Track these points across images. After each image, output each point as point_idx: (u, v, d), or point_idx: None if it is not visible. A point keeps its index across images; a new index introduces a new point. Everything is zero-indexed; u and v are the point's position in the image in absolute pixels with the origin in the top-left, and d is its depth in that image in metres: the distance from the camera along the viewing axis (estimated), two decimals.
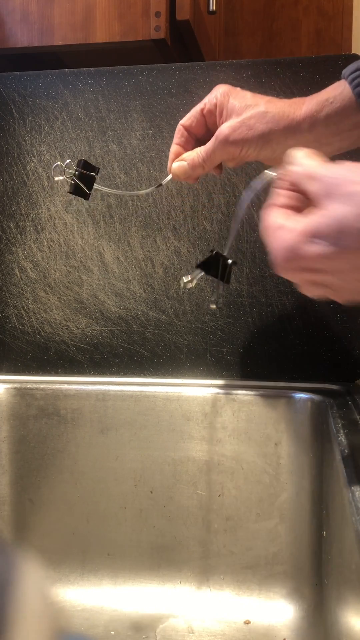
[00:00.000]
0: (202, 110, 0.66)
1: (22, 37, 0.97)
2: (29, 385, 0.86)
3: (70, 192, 0.67)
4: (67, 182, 0.67)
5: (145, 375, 0.88)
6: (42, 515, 0.85)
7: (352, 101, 0.60)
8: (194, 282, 0.61)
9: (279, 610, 0.78)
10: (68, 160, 0.67)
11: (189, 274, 0.63)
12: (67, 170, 0.66)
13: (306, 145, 0.60)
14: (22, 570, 0.36)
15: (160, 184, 0.67)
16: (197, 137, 0.68)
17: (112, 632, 0.76)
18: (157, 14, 0.92)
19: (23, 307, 0.91)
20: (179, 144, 0.67)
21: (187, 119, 0.67)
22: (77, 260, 0.89)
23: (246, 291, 0.86)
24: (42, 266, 0.90)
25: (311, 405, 0.79)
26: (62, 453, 0.84)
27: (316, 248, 0.42)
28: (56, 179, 0.67)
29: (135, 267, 0.88)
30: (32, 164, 0.90)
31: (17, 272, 0.91)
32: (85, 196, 0.67)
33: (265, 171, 0.57)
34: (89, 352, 0.89)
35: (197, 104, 0.87)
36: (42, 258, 0.90)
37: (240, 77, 0.86)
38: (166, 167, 0.87)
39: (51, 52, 1.00)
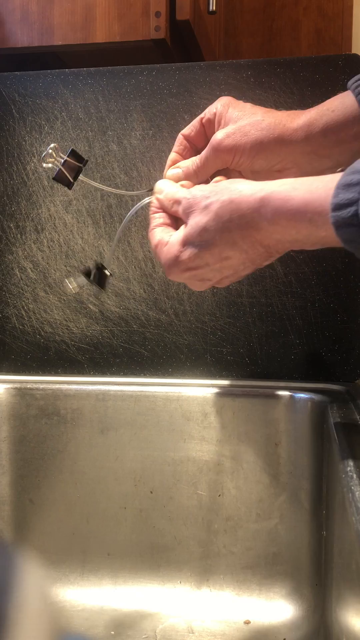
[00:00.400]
0: (201, 119, 0.65)
1: (22, 37, 0.97)
2: (29, 385, 0.86)
3: (54, 179, 0.67)
4: (54, 168, 0.67)
5: (145, 375, 0.88)
6: (42, 515, 0.85)
7: (355, 110, 0.59)
8: (77, 288, 0.68)
9: (279, 610, 0.78)
10: (53, 145, 0.67)
11: (71, 279, 0.68)
12: (56, 156, 0.66)
13: (303, 157, 0.61)
14: (22, 570, 0.36)
15: (151, 189, 0.67)
16: (197, 147, 0.67)
17: (112, 632, 0.76)
18: (157, 14, 0.92)
19: (23, 307, 0.91)
20: (177, 152, 0.67)
21: (187, 128, 0.66)
22: (77, 260, 0.89)
23: (246, 291, 0.86)
24: (42, 266, 0.90)
25: (311, 405, 0.79)
26: (62, 453, 0.84)
27: (189, 251, 0.55)
28: (44, 165, 0.67)
29: (135, 267, 0.88)
30: (32, 164, 0.90)
31: (17, 272, 0.91)
32: (69, 185, 0.67)
33: (146, 199, 0.65)
34: (89, 352, 0.89)
35: (197, 104, 0.87)
36: (42, 258, 0.90)
37: (240, 77, 0.86)
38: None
39: (51, 52, 1.00)
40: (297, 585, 0.79)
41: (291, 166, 0.62)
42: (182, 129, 0.87)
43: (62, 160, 0.66)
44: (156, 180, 0.87)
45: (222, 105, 0.63)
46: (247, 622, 0.77)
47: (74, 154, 0.67)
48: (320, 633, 0.73)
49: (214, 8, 1.07)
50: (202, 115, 0.65)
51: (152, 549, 0.83)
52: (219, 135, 0.61)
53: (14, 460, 0.85)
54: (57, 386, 0.85)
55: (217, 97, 0.86)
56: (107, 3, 0.94)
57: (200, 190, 0.56)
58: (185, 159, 0.66)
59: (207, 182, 0.67)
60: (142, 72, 0.88)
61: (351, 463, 0.55)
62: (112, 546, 0.84)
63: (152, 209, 0.63)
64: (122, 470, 0.84)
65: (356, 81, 0.60)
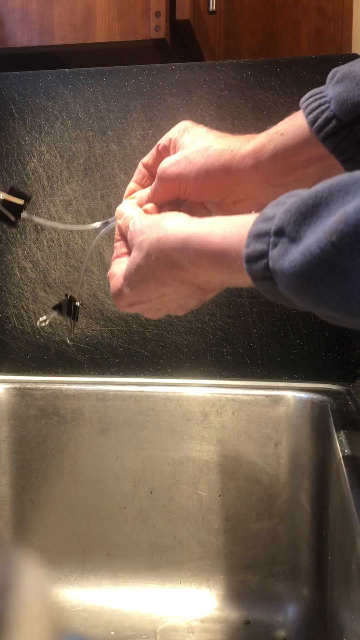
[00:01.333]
0: (158, 146, 0.61)
1: (22, 36, 0.97)
2: (28, 385, 0.86)
3: None
4: None
5: (145, 375, 0.88)
6: (42, 516, 0.85)
7: (306, 132, 0.53)
8: (47, 322, 0.68)
9: (279, 610, 0.78)
10: None
11: (44, 315, 0.68)
12: None
13: (255, 187, 0.56)
14: (22, 570, 0.36)
15: (107, 221, 0.65)
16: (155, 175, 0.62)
17: (112, 632, 0.76)
18: (157, 14, 0.92)
19: (23, 307, 0.91)
20: (136, 182, 0.63)
21: (146, 157, 0.62)
22: (77, 260, 0.89)
23: (246, 291, 0.86)
24: (42, 266, 0.90)
25: (311, 405, 0.79)
26: (62, 453, 0.84)
27: (129, 288, 0.54)
28: None
29: None
30: (32, 164, 0.90)
31: (17, 272, 0.91)
32: (12, 224, 0.64)
33: (109, 220, 0.63)
34: (89, 352, 0.89)
35: (197, 103, 0.87)
36: (42, 258, 0.90)
37: (240, 77, 0.86)
38: None
39: (51, 51, 1.00)
40: (297, 586, 0.79)
41: (244, 197, 0.57)
42: None
43: (1, 199, 0.63)
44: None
45: (179, 131, 0.59)
46: (247, 622, 0.77)
47: (13, 191, 0.63)
48: (320, 633, 0.72)
49: (214, 8, 1.07)
50: (159, 142, 0.61)
51: (152, 549, 0.83)
52: (163, 164, 0.57)
53: (14, 460, 0.85)
54: (57, 386, 0.85)
55: (217, 97, 0.86)
56: (107, 3, 0.94)
57: (140, 223, 0.54)
58: (144, 188, 0.62)
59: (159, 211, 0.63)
60: (142, 72, 0.88)
61: (351, 463, 0.55)
62: (112, 546, 0.84)
63: (115, 235, 0.60)
64: (122, 470, 0.83)
65: (307, 99, 0.54)
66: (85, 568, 0.84)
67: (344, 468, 0.54)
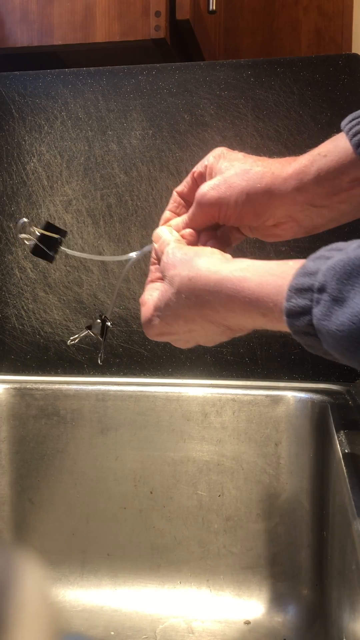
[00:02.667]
0: (193, 174, 0.60)
1: (22, 36, 0.97)
2: (28, 386, 0.86)
3: (32, 253, 0.64)
4: (30, 241, 0.63)
5: (145, 375, 0.88)
6: (42, 516, 0.85)
7: (350, 153, 0.53)
8: (77, 340, 0.69)
9: (279, 610, 0.78)
10: (24, 220, 0.63)
11: (76, 334, 0.69)
12: (32, 229, 0.63)
13: (297, 209, 0.55)
14: (22, 570, 0.36)
15: (144, 251, 0.63)
16: (191, 203, 0.61)
17: (112, 633, 0.76)
18: (157, 14, 0.92)
19: (23, 307, 0.91)
20: (170, 210, 0.62)
21: (180, 185, 0.62)
22: (77, 260, 0.89)
23: None
24: (41, 266, 0.90)
25: (311, 405, 0.79)
26: (61, 453, 0.84)
27: (159, 319, 0.54)
28: (20, 236, 0.63)
29: (135, 267, 0.88)
30: (32, 164, 0.90)
31: (17, 272, 0.91)
32: (49, 259, 0.64)
33: (145, 248, 0.62)
34: (88, 352, 0.89)
35: (197, 103, 0.87)
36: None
37: (240, 77, 0.86)
38: (166, 167, 0.87)
39: (51, 51, 1.00)
40: (297, 586, 0.79)
41: (286, 220, 0.56)
42: (181, 129, 0.87)
43: (38, 235, 0.63)
44: (156, 180, 0.87)
45: (214, 157, 0.58)
46: (247, 623, 0.77)
47: (51, 226, 0.63)
48: (320, 633, 0.72)
49: (214, 7, 1.07)
50: (194, 169, 0.60)
51: (152, 549, 0.83)
52: (203, 189, 0.56)
53: (14, 460, 0.85)
54: (57, 386, 0.85)
55: (217, 96, 0.86)
56: (106, 3, 0.94)
57: (173, 255, 0.53)
58: (179, 216, 0.61)
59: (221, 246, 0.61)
60: (142, 71, 0.88)
61: (351, 463, 0.54)
62: (112, 546, 0.84)
63: (151, 259, 0.60)
64: (122, 471, 0.83)
65: (350, 122, 0.53)
66: (85, 568, 0.84)
67: (344, 468, 0.54)
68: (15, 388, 0.86)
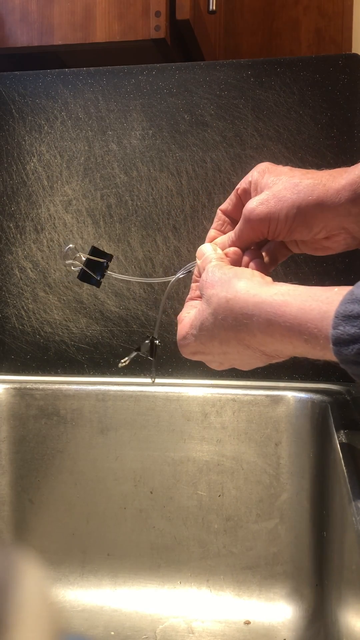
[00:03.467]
0: (237, 191, 0.59)
1: (22, 36, 0.97)
2: (28, 386, 0.86)
3: (78, 278, 0.65)
4: (76, 267, 0.64)
5: (145, 375, 0.88)
6: (42, 516, 0.85)
7: None
8: (127, 362, 0.67)
9: (279, 610, 0.78)
10: (70, 246, 0.64)
11: (126, 357, 0.68)
12: (77, 255, 0.63)
13: (351, 220, 0.53)
14: (22, 571, 0.36)
15: (189, 270, 0.61)
16: (237, 220, 0.59)
17: (112, 633, 0.76)
18: (157, 14, 0.92)
19: (23, 307, 0.91)
20: (215, 228, 0.61)
21: (224, 203, 0.61)
22: (77, 260, 0.89)
23: None
24: (41, 266, 0.90)
25: (311, 405, 0.79)
26: (61, 453, 0.84)
27: (193, 338, 0.54)
28: (66, 262, 0.64)
29: (135, 267, 0.88)
30: (32, 164, 0.90)
31: (17, 272, 0.91)
32: (97, 284, 0.64)
33: (189, 264, 0.61)
34: (88, 352, 0.89)
35: (197, 103, 0.87)
36: (42, 258, 0.90)
37: (240, 77, 0.86)
38: (166, 167, 0.87)
39: (51, 51, 1.00)
40: (297, 586, 0.79)
41: (338, 232, 0.55)
42: (181, 129, 0.87)
43: (85, 260, 0.63)
44: (156, 180, 0.87)
45: (258, 173, 0.57)
46: (247, 623, 0.77)
47: (96, 251, 0.64)
48: (320, 633, 0.72)
49: (214, 8, 1.07)
50: (237, 186, 0.59)
51: (152, 549, 0.83)
52: (251, 204, 0.55)
53: (14, 460, 0.85)
54: (57, 386, 0.85)
55: (217, 96, 0.86)
56: (106, 2, 0.94)
57: (212, 274, 0.52)
58: (224, 234, 0.60)
59: (266, 267, 0.59)
60: (142, 71, 0.88)
61: (351, 463, 0.54)
62: (112, 546, 0.84)
63: (194, 276, 0.60)
64: (122, 471, 0.83)
65: None
66: (85, 568, 0.84)
67: (344, 468, 0.54)
68: (15, 388, 0.86)
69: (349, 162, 0.55)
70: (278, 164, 0.58)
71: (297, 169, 0.56)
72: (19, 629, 0.32)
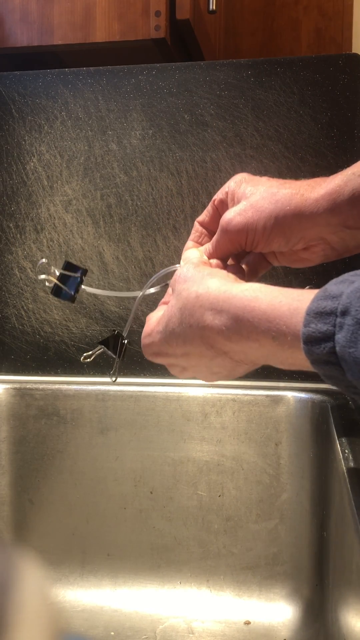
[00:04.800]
0: (214, 202, 0.58)
1: (22, 36, 0.97)
2: (28, 386, 0.86)
3: (52, 294, 0.62)
4: (50, 282, 0.62)
5: (145, 375, 0.88)
6: (42, 516, 0.85)
7: None
8: (92, 357, 0.65)
9: (279, 610, 0.78)
10: (43, 260, 0.62)
11: (90, 351, 0.65)
12: (51, 271, 0.61)
13: (330, 230, 0.52)
14: (22, 571, 0.36)
15: (166, 284, 0.60)
16: (214, 232, 0.58)
17: (112, 633, 0.76)
18: (157, 13, 0.92)
19: (23, 307, 0.91)
20: (193, 240, 0.60)
21: (201, 215, 0.59)
22: (77, 260, 0.89)
23: None
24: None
25: (311, 405, 0.79)
26: (61, 453, 0.84)
27: (158, 336, 0.52)
28: (40, 277, 0.61)
29: (135, 267, 0.88)
30: (32, 164, 0.90)
31: (17, 272, 0.91)
32: (71, 299, 0.62)
33: (171, 267, 0.60)
34: (88, 352, 0.89)
35: (197, 103, 0.87)
36: (42, 258, 0.90)
37: (240, 77, 0.86)
38: (166, 167, 0.87)
39: (51, 51, 1.00)
40: (297, 586, 0.79)
41: (317, 242, 0.54)
42: (181, 129, 0.87)
43: (58, 274, 0.61)
44: (156, 180, 0.87)
45: (235, 183, 0.55)
46: (247, 623, 0.77)
47: (69, 266, 0.61)
48: (320, 633, 0.72)
49: (214, 7, 1.07)
50: (214, 197, 0.58)
51: (152, 549, 0.83)
52: (228, 215, 0.54)
53: (14, 460, 0.85)
54: (57, 386, 0.85)
55: (217, 96, 0.86)
56: (106, 2, 0.94)
57: (186, 269, 0.51)
58: (202, 245, 0.59)
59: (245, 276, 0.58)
60: (142, 71, 0.88)
61: (351, 463, 0.54)
62: (112, 547, 0.83)
63: (172, 280, 0.59)
64: (122, 471, 0.83)
65: None
66: (85, 568, 0.84)
67: (344, 468, 0.54)
68: (15, 388, 0.86)
69: (349, 162, 0.55)
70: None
71: (275, 179, 0.55)
72: (19, 629, 0.32)
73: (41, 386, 0.85)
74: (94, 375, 0.89)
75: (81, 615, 0.79)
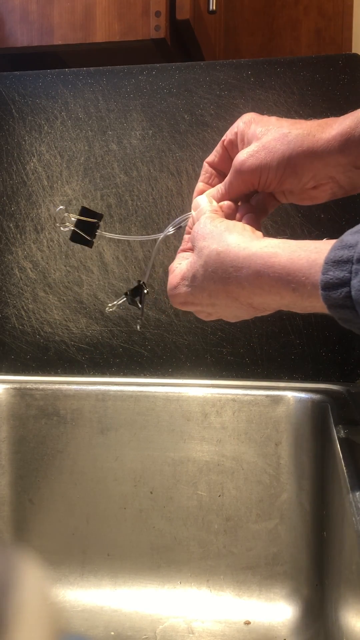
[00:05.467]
0: (223, 142, 0.59)
1: (22, 36, 0.97)
2: (28, 386, 0.86)
3: (71, 240, 0.65)
4: (68, 228, 0.65)
5: (145, 376, 0.88)
6: (42, 516, 0.85)
7: None
8: (115, 307, 0.69)
9: (279, 610, 0.78)
10: (61, 207, 0.64)
11: (114, 301, 0.69)
12: (67, 217, 0.64)
13: (340, 170, 0.54)
14: (22, 571, 0.36)
15: (179, 220, 0.63)
16: (224, 173, 0.60)
17: (112, 633, 0.76)
18: (157, 14, 0.92)
19: (23, 307, 0.91)
20: (203, 181, 0.61)
21: (210, 155, 0.61)
22: (77, 260, 0.89)
23: None
24: (41, 266, 0.90)
25: (311, 405, 0.79)
26: (62, 453, 0.84)
27: (184, 288, 0.55)
28: (57, 224, 0.65)
29: (135, 267, 0.88)
30: (32, 164, 0.90)
31: (17, 272, 0.91)
32: (89, 244, 0.64)
33: (186, 214, 0.62)
34: (88, 352, 0.89)
35: (197, 103, 0.87)
36: (42, 258, 0.90)
37: (240, 77, 0.86)
38: (166, 167, 0.87)
39: (51, 51, 1.00)
40: (297, 586, 0.79)
41: (326, 181, 0.56)
42: (181, 129, 0.87)
43: (75, 221, 0.64)
44: (156, 180, 0.87)
45: (244, 123, 0.57)
46: (247, 623, 0.77)
47: (86, 211, 0.64)
48: (320, 634, 0.72)
49: (214, 7, 1.07)
50: (223, 137, 0.59)
51: (152, 549, 0.83)
52: (241, 156, 0.55)
53: (14, 460, 0.85)
54: (57, 386, 0.85)
55: (217, 96, 0.86)
56: (107, 2, 0.94)
57: (203, 226, 0.54)
58: (212, 187, 0.60)
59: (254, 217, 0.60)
60: (142, 71, 0.88)
61: (351, 463, 0.54)
62: (112, 547, 0.83)
63: (187, 227, 0.61)
64: (122, 471, 0.83)
65: None
66: (85, 568, 0.84)
67: (344, 468, 0.54)
68: (15, 388, 0.86)
69: None
70: None
71: (284, 119, 0.57)
72: (19, 629, 0.32)
73: (41, 386, 0.85)
74: (94, 375, 0.89)
75: (81, 615, 0.79)
